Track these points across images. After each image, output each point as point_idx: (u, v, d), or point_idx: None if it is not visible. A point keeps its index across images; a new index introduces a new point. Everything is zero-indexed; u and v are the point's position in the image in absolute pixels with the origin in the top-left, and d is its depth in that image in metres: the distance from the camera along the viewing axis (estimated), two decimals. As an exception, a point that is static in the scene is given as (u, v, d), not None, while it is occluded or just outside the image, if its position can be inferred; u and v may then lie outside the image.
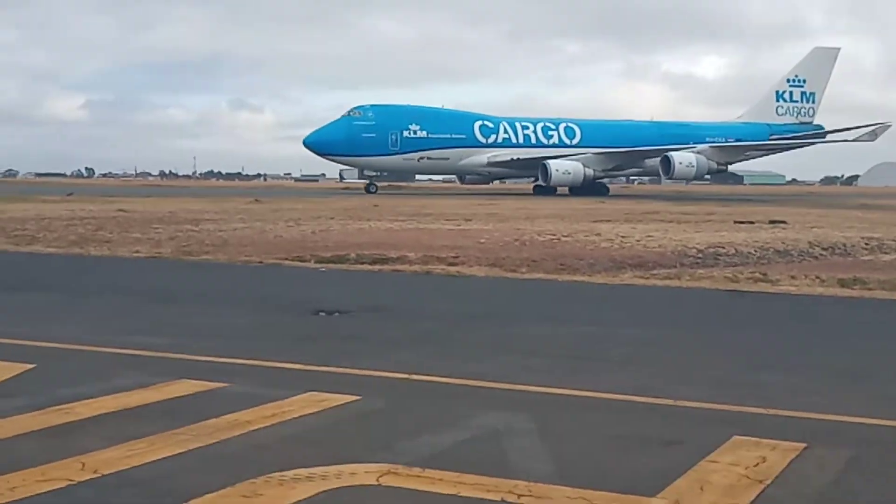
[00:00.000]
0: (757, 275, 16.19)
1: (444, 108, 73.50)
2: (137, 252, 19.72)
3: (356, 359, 8.72)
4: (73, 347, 9.22)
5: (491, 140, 70.46)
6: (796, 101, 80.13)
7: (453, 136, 68.67)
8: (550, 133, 72.88)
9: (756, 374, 8.41)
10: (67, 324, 10.62)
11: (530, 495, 5.01)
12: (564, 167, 67.35)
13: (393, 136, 66.15)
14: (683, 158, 67.72)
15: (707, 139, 73.19)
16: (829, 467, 5.60)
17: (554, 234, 24.21)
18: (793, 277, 15.84)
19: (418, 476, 5.31)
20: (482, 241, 22.21)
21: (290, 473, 5.32)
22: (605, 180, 73.20)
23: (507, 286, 15.13)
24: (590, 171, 68.46)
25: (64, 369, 8.21)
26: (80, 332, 10.05)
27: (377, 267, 17.25)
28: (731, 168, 79.26)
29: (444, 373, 8.13)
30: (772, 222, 30.19)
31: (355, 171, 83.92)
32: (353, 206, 43.35)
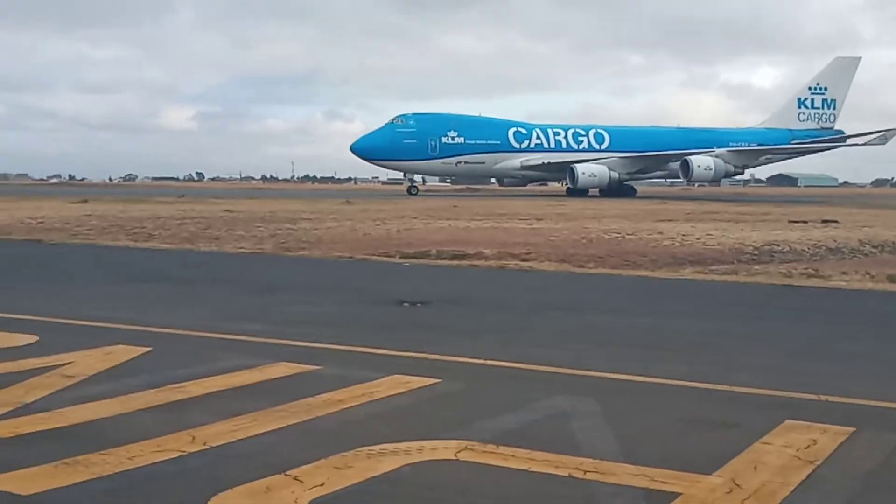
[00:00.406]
0: (810, 271, 15.89)
1: (481, 115, 72.73)
2: (242, 248, 20.01)
3: (437, 345, 8.73)
4: (186, 333, 9.38)
5: (524, 145, 69.53)
6: (818, 108, 77.92)
7: (489, 141, 68.04)
8: (581, 139, 71.80)
9: (808, 362, 8.24)
10: (180, 312, 10.80)
11: (596, 472, 4.96)
12: (591, 170, 66.61)
13: (432, 142, 65.65)
14: (702, 162, 66.82)
15: (731, 144, 71.88)
16: (877, 450, 5.46)
17: (619, 233, 24.04)
18: (844, 273, 15.51)
19: (492, 452, 5.30)
20: (552, 238, 22.15)
21: (378, 448, 5.35)
22: (632, 182, 71.87)
23: (575, 280, 15.04)
24: (615, 174, 67.60)
25: (177, 352, 8.35)
26: (192, 319, 10.22)
27: (456, 262, 17.26)
28: (784, 171, 78.33)
29: (516, 359, 8.10)
30: (824, 221, 29.63)
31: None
32: (435, 206, 43.48)
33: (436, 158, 66.37)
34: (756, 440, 5.59)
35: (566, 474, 4.93)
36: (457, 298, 12.50)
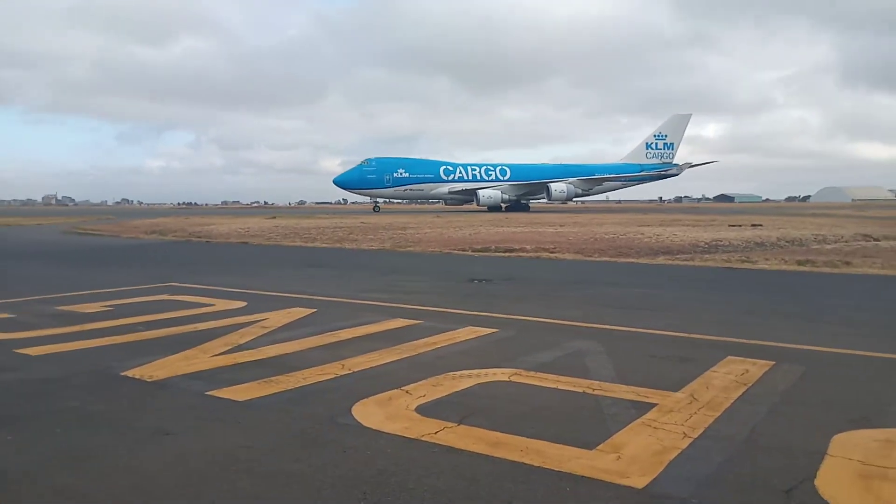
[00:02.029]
0: (743, 258, 15.36)
1: (422, 158, 70.31)
2: (371, 246, 20.25)
3: (496, 307, 8.72)
4: (338, 300, 9.52)
5: (451, 177, 67.54)
6: (660, 149, 74.55)
7: (425, 175, 66.45)
8: (490, 172, 69.24)
9: (742, 317, 7.98)
10: (333, 286, 10.94)
11: (601, 389, 4.91)
12: (488, 194, 64.71)
13: (387, 177, 64.43)
14: (557, 187, 64.89)
15: (595, 174, 69.64)
16: (789, 376, 5.27)
17: (614, 234, 23.61)
18: (767, 259, 14.96)
19: (533, 376, 5.29)
20: (570, 238, 21.91)
21: (458, 373, 5.38)
22: (525, 201, 68.19)
23: (586, 265, 14.83)
24: (506, 196, 65.45)
25: (332, 312, 8.46)
26: (341, 291, 10.35)
27: (507, 254, 17.18)
28: (725, 192, 74.47)
29: (548, 316, 8.05)
30: (753, 226, 28.61)
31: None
32: (492, 218, 43.30)
33: (390, 187, 65.15)
34: (707, 370, 5.46)
35: (581, 391, 4.90)
36: (508, 277, 12.45)
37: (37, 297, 9.63)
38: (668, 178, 76.66)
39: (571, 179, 66.30)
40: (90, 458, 3.67)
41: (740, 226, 28.67)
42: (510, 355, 6.02)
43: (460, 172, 67.92)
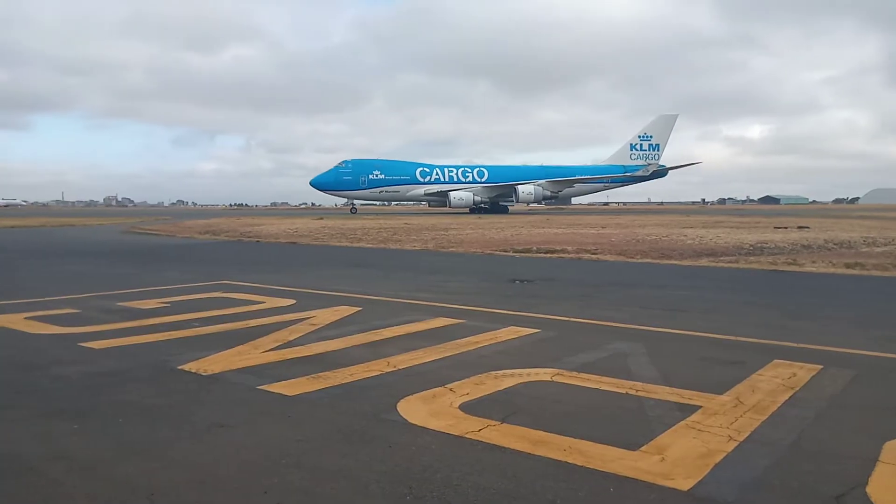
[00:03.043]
0: (789, 260, 14.92)
1: (398, 160, 69.13)
2: (414, 246, 20.33)
3: (538, 307, 8.66)
4: (382, 298, 9.60)
5: (427, 179, 66.07)
6: (645, 150, 72.06)
7: (401, 177, 65.34)
8: (467, 174, 67.46)
9: (789, 321, 7.75)
10: (379, 286, 11.02)
11: (644, 391, 4.83)
12: (458, 196, 63.29)
13: (363, 178, 63.52)
14: (525, 189, 63.04)
15: (577, 175, 67.62)
16: (838, 381, 5.10)
17: (656, 236, 23.23)
18: (813, 262, 14.50)
19: (575, 377, 5.23)
20: (612, 239, 21.63)
21: (501, 372, 5.36)
22: (503, 203, 65.85)
23: (628, 266, 14.61)
24: (478, 198, 64.05)
25: (378, 311, 8.52)
26: (386, 290, 10.43)
27: (548, 255, 17.05)
28: (770, 194, 71.74)
29: (590, 317, 7.96)
30: (799, 227, 27.77)
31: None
32: (534, 220, 43.02)
33: (365, 189, 64.15)
34: (753, 373, 5.32)
35: (624, 392, 4.83)
36: (550, 277, 12.36)
37: (99, 294, 9.97)
38: (652, 180, 74.00)
39: (540, 181, 64.54)
40: (150, 448, 3.78)
41: (786, 228, 27.88)
42: (552, 355, 5.97)
43: (437, 174, 66.63)
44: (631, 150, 72.16)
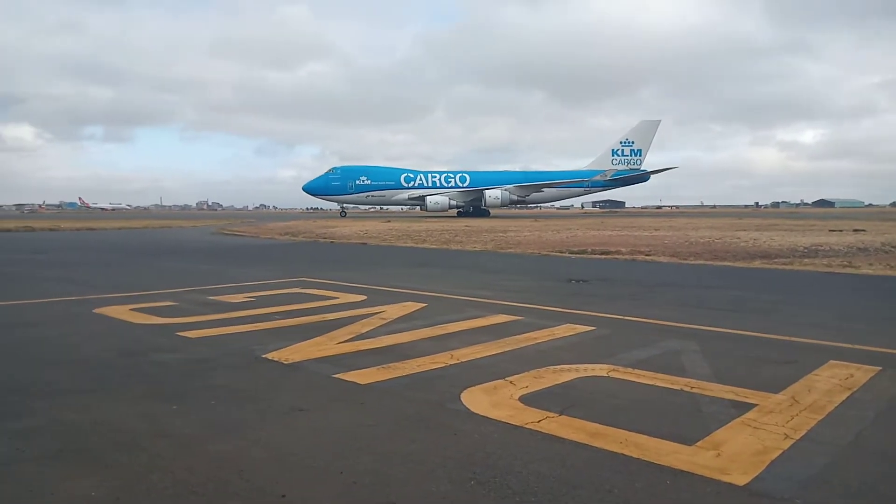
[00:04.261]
0: (845, 263, 14.13)
1: (384, 166, 68.47)
2: (475, 247, 20.28)
3: (593, 306, 8.51)
4: (446, 295, 9.62)
5: (411, 184, 65.06)
6: (627, 155, 68.94)
7: (387, 182, 64.58)
8: (450, 179, 66.04)
9: (846, 322, 7.35)
10: (442, 283, 11.06)
11: (698, 388, 4.67)
12: (434, 200, 62.04)
13: (350, 184, 63.21)
14: (492, 193, 61.48)
15: (556, 179, 65.26)
16: (899, 383, 4.80)
17: (709, 238, 22.44)
18: (870, 264, 13.69)
19: (630, 373, 5.11)
20: (665, 241, 21.03)
21: (559, 367, 5.30)
22: (485, 207, 63.91)
23: (682, 268, 14.17)
24: (453, 202, 62.74)
25: (442, 307, 8.54)
26: (449, 287, 10.46)
27: (603, 256, 16.73)
28: (825, 197, 67.39)
29: (644, 315, 7.76)
30: (855, 230, 26.24)
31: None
32: (589, 222, 42.32)
33: (353, 193, 63.86)
34: (809, 373, 5.07)
35: (679, 388, 4.68)
36: (605, 277, 12.12)
37: (193, 288, 10.40)
38: (633, 184, 71.01)
39: (507, 186, 62.93)
40: (238, 428, 3.92)
41: (841, 231, 26.39)
42: (607, 352, 5.86)
43: (420, 180, 65.82)
44: (612, 155, 69.75)
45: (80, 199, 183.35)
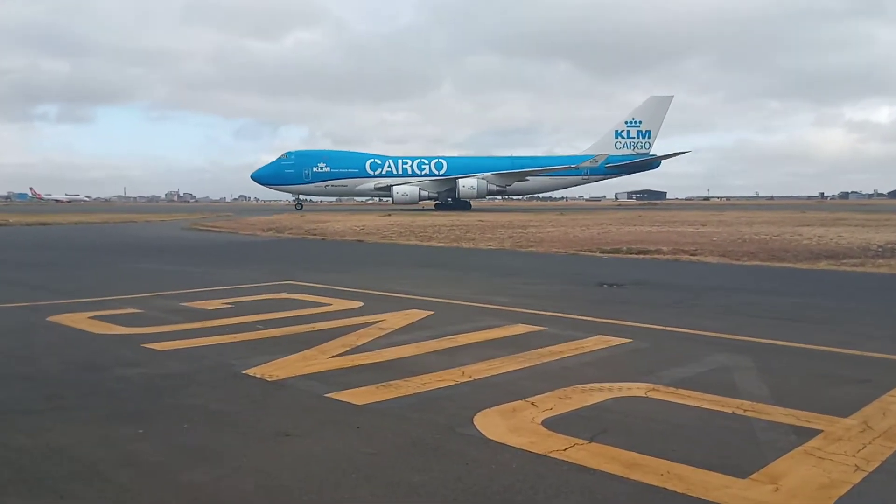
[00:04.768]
0: (926, 264, 14.03)
1: (347, 150, 68.88)
2: (490, 246, 20.35)
3: (629, 315, 8.49)
4: (456, 302, 9.64)
5: (378, 172, 64.77)
6: (633, 138, 68.29)
7: (349, 170, 64.32)
8: (424, 166, 65.66)
9: (927, 335, 7.29)
10: (452, 288, 11.07)
11: (753, 411, 4.66)
12: (403, 191, 61.74)
13: (306, 171, 63.01)
14: (466, 183, 61.33)
15: (549, 165, 65.08)
16: None
17: (766, 235, 22.37)
18: (956, 266, 13.58)
19: (673, 393, 5.10)
20: (714, 239, 20.98)
21: (588, 385, 5.29)
22: (464, 199, 64.33)
23: (733, 269, 14.11)
24: (425, 193, 62.66)
25: (451, 315, 8.57)
26: (459, 293, 10.47)
27: (641, 256, 16.69)
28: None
29: (688, 326, 7.74)
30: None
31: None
32: (624, 216, 42.26)
33: (309, 183, 63.64)
34: (884, 393, 5.04)
35: (730, 411, 4.67)
36: (642, 281, 12.09)
37: (161, 293, 10.47)
38: (642, 171, 70.63)
39: (485, 175, 62.62)
40: (216, 455, 3.94)
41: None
42: (646, 368, 5.84)
43: (389, 167, 65.50)
44: (616, 137, 69.09)
45: (31, 189, 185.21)
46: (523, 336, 7.25)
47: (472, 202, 66.33)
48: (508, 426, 4.39)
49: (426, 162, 66.68)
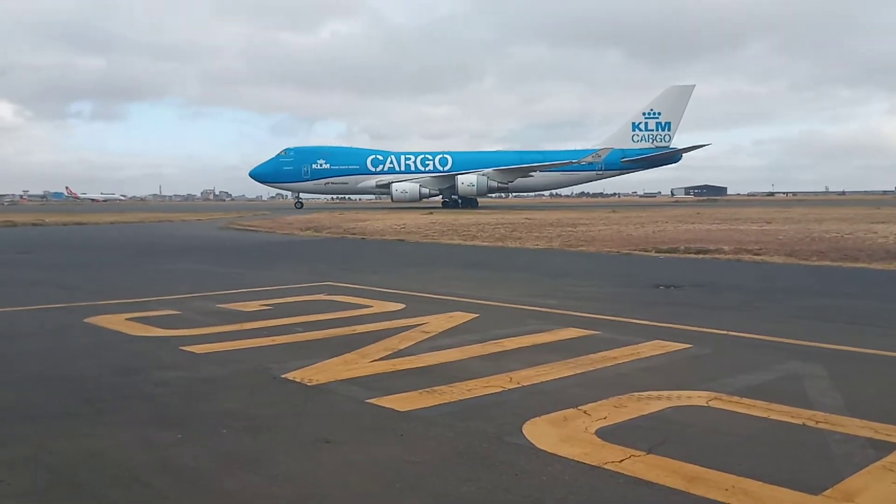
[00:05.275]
0: None
1: (349, 146, 68.84)
2: (537, 245, 20.24)
3: (687, 319, 8.35)
4: (502, 304, 9.62)
5: (379, 169, 64.53)
6: (651, 130, 66.58)
7: (350, 166, 64.30)
8: (427, 162, 65.29)
9: None
10: (497, 290, 11.04)
11: (826, 422, 4.53)
12: (402, 188, 61.33)
13: (305, 168, 63.15)
14: (465, 179, 60.64)
15: (555, 160, 63.74)
16: None
17: (837, 233, 21.75)
18: None
19: (738, 402, 4.99)
20: (780, 237, 20.51)
21: (645, 394, 5.22)
22: (467, 196, 63.77)
23: (801, 270, 13.76)
24: (425, 190, 62.02)
25: (497, 318, 8.55)
26: (505, 295, 10.45)
27: (700, 256, 16.41)
28: None
29: (753, 331, 7.57)
30: None
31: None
32: (681, 213, 41.62)
33: (308, 180, 63.82)
34: (973, 405, 4.84)
35: (801, 423, 4.55)
36: (702, 283, 11.88)
37: (199, 294, 10.70)
38: (662, 166, 68.90)
39: (485, 171, 61.77)
40: (254, 463, 4.00)
41: None
42: (707, 375, 5.74)
43: (391, 162, 65.39)
44: (633, 130, 67.64)
45: (67, 188, 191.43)
46: (574, 340, 7.20)
47: (479, 200, 66.78)
48: (560, 435, 4.36)
49: (430, 158, 66.93)
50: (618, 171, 69.12)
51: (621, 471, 3.82)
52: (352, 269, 14.54)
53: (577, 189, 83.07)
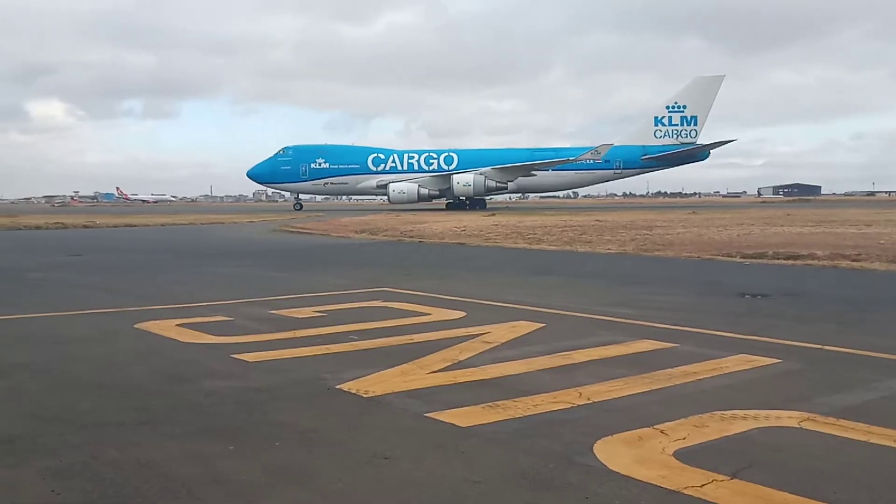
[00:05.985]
0: None
1: (350, 145, 69.82)
2: (609, 249, 20.01)
3: (776, 331, 8.13)
4: (570, 313, 9.56)
5: (381, 168, 64.84)
6: (676, 125, 65.18)
7: (350, 166, 64.85)
8: (431, 161, 65.27)
9: None
10: (565, 297, 10.98)
11: (936, 449, 4.34)
12: (399, 189, 61.27)
13: (303, 168, 63.92)
14: (461, 179, 60.92)
15: (571, 158, 62.10)
16: None
17: (947, 236, 20.87)
18: None
19: (833, 424, 4.83)
20: (881, 241, 19.76)
21: (729, 413, 5.10)
22: (487, 197, 64.98)
23: (904, 278, 13.26)
24: (424, 191, 61.81)
25: (564, 328, 8.52)
26: (574, 303, 10.38)
27: (790, 262, 15.95)
28: None
29: (851, 345, 7.32)
30: None
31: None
32: (769, 215, 40.56)
33: (307, 181, 64.54)
34: None
35: (906, 448, 4.37)
36: (793, 292, 11.54)
37: (251, 300, 10.94)
38: (690, 163, 67.20)
39: (483, 170, 61.40)
40: (308, 478, 4.07)
41: None
42: (799, 394, 5.58)
43: (394, 161, 65.68)
44: (656, 125, 66.42)
45: (117, 189, 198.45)
46: (650, 354, 7.10)
47: (487, 200, 67.44)
48: (634, 456, 4.29)
49: (435, 156, 67.43)
50: (639, 170, 68.89)
51: (702, 496, 3.74)
52: (409, 275, 14.64)
53: (652, 189, 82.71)
